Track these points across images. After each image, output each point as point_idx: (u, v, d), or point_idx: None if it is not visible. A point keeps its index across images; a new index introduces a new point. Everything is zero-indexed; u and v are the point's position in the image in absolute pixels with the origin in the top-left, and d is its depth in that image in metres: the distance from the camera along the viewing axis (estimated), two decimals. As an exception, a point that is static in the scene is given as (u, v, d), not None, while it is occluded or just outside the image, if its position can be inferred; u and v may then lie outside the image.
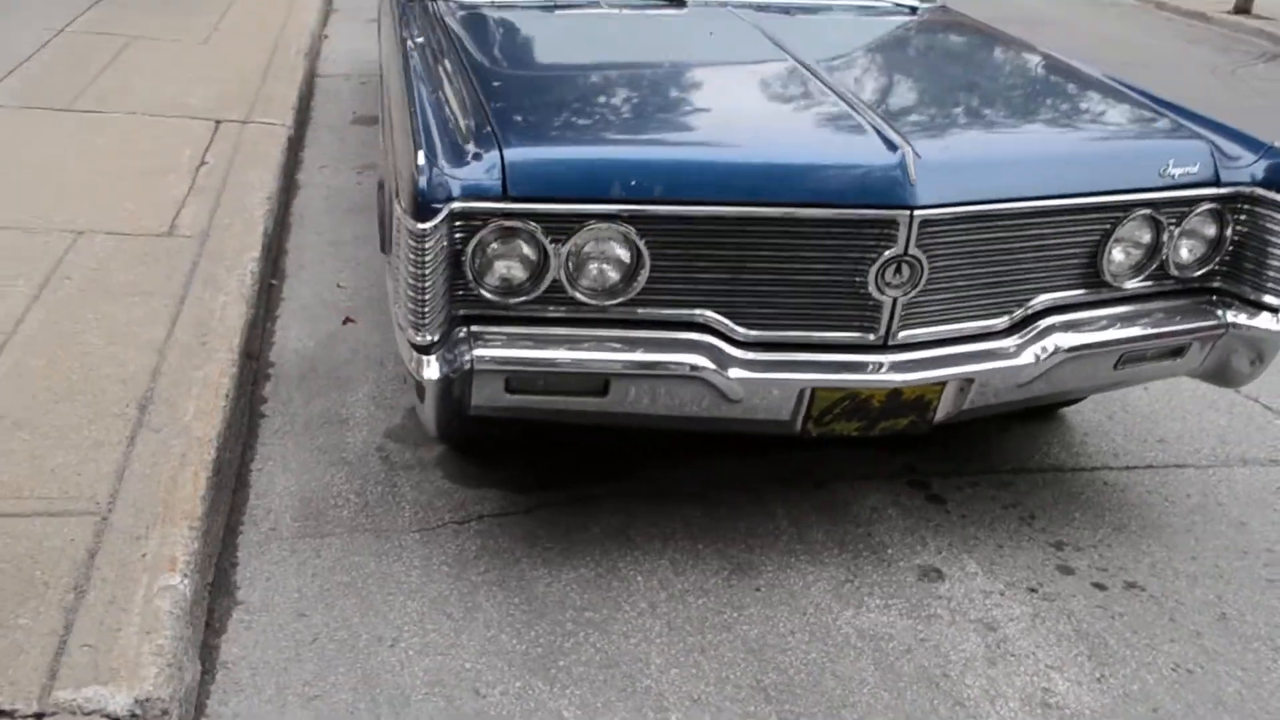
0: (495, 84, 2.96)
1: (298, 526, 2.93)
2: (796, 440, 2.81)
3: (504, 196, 2.46)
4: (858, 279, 2.58)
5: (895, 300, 2.62)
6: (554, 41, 3.55)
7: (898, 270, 2.58)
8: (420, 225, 2.39)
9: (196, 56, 7.01)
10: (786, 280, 2.59)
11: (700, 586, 2.77)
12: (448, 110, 2.76)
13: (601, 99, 2.96)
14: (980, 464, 3.35)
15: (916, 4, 4.13)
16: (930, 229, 2.54)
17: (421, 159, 2.44)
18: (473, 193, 2.44)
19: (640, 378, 2.60)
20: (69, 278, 3.80)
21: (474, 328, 2.58)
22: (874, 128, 2.64)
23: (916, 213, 2.51)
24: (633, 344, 2.60)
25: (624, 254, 2.53)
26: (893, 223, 2.52)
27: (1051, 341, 2.76)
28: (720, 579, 2.80)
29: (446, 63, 3.16)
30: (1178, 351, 2.91)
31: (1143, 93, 3.21)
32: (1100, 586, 2.84)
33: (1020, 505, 3.17)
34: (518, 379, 2.60)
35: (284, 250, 4.68)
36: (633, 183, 2.49)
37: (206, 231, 4.35)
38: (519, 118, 2.70)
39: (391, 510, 3.02)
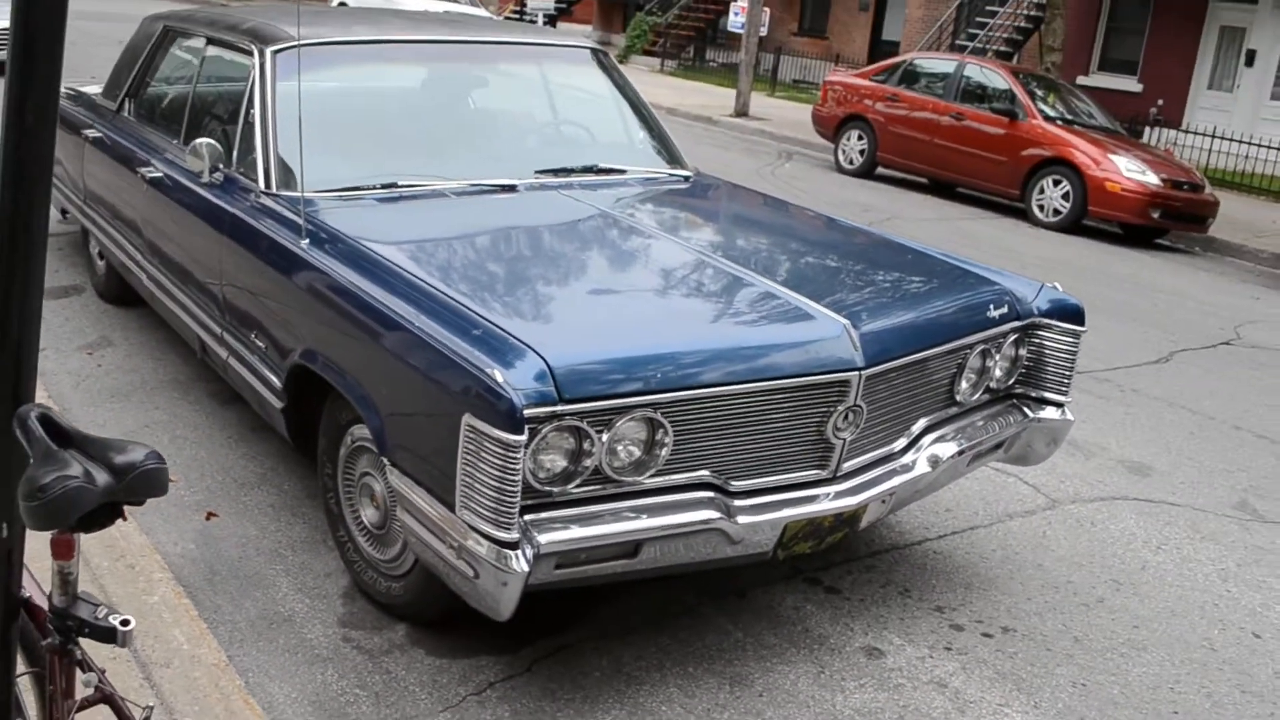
0: (463, 286, 3.25)
1: (331, 733, 3.02)
2: (762, 564, 3.37)
3: (559, 400, 2.82)
4: (820, 428, 3.21)
5: (844, 441, 3.28)
6: (456, 233, 3.80)
7: (846, 417, 3.24)
8: (516, 438, 2.70)
9: None
10: (765, 436, 3.16)
11: (717, 704, 3.23)
12: (453, 320, 3.04)
13: (581, 293, 3.34)
14: (842, 554, 4.08)
15: (687, 173, 4.87)
16: (870, 382, 3.24)
17: (500, 377, 2.74)
18: (536, 400, 2.77)
19: (669, 537, 3.05)
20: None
21: (526, 517, 2.89)
22: (815, 309, 3.29)
23: (864, 372, 3.19)
24: (659, 509, 3.03)
25: (651, 435, 2.98)
26: (847, 382, 3.18)
27: (935, 453, 3.55)
28: (726, 693, 3.28)
29: (383, 270, 3.38)
30: (999, 445, 3.83)
31: (936, 252, 4.16)
32: (988, 635, 3.66)
33: (892, 582, 3.93)
34: (566, 556, 2.94)
35: (79, 451, 4.45)
36: (659, 375, 2.95)
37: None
38: (533, 324, 3.04)
39: (405, 697, 3.17)
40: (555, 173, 4.50)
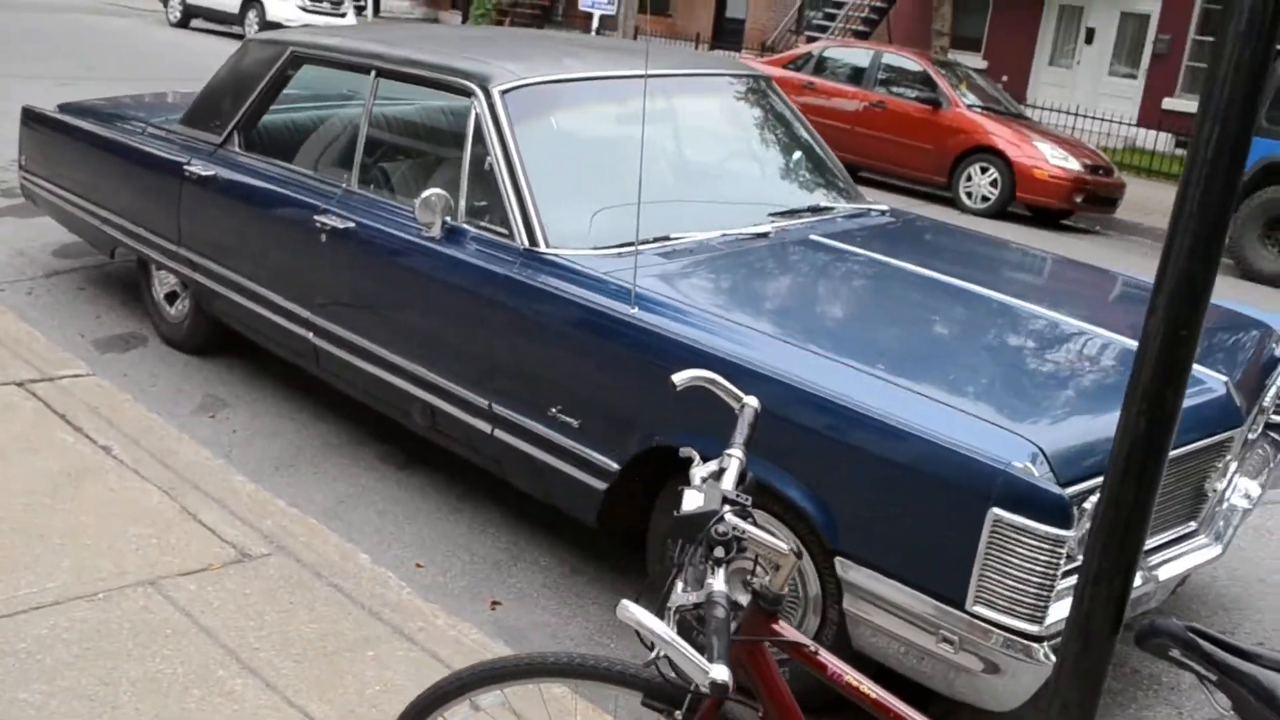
0: (868, 358, 3.12)
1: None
2: None
3: (1056, 483, 2.77)
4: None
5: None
6: (772, 291, 3.60)
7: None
8: (1065, 532, 2.64)
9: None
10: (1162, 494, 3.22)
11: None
12: (908, 401, 2.93)
13: (985, 362, 3.24)
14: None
15: (882, 206, 4.81)
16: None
17: (1033, 469, 2.68)
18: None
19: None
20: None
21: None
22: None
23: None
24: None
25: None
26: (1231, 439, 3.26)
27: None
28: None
29: (759, 342, 3.22)
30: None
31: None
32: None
33: None
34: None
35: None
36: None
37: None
38: (994, 402, 2.96)
39: None
40: (783, 214, 4.37)
